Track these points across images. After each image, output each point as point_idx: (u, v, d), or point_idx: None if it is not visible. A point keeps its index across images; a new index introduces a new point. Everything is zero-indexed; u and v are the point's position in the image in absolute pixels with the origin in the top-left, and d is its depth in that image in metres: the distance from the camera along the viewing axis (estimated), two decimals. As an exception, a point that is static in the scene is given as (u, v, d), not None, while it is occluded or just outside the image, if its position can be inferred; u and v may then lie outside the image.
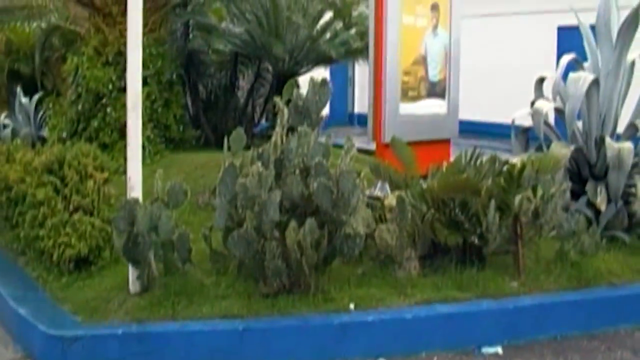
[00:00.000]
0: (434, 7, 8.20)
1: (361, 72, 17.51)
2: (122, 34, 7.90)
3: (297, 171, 5.05)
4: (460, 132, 8.84)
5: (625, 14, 6.86)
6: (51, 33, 10.94)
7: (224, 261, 5.34)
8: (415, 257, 5.61)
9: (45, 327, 4.96)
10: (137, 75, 5.48)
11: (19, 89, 11.11)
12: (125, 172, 5.58)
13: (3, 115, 11.59)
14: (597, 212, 6.49)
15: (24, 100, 10.94)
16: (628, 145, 6.52)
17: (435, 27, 8.24)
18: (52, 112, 9.78)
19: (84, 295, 5.46)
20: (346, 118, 21.94)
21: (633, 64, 7.19)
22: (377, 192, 6.55)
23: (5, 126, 11.21)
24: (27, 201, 6.30)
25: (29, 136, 10.36)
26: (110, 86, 8.66)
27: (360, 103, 20.83)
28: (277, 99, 5.36)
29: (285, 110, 5.26)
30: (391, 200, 5.69)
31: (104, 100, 8.66)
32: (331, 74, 13.50)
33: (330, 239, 5.04)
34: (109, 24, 9.00)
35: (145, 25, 7.48)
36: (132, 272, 5.32)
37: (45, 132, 10.00)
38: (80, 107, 8.77)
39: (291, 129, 5.26)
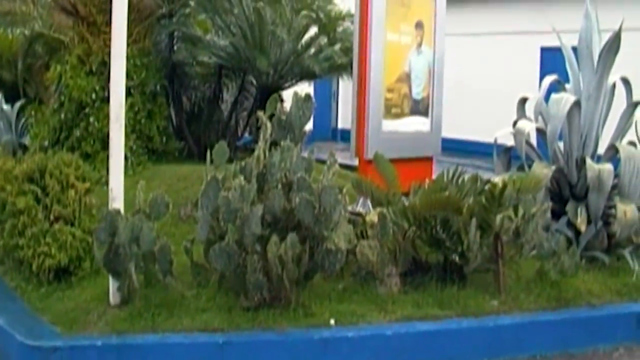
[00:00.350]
0: (419, 25, 8.23)
1: (345, 87, 17.54)
2: (107, 44, 7.87)
3: (280, 186, 5.06)
4: (443, 150, 8.86)
5: (606, 37, 6.93)
6: (34, 40, 10.85)
7: (205, 274, 5.32)
8: (396, 273, 5.61)
9: (23, 337, 4.92)
10: (121, 86, 5.46)
11: (0, 96, 11.02)
12: (107, 182, 5.57)
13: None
14: (577, 233, 6.53)
15: (6, 107, 10.82)
16: (608, 166, 6.57)
17: (419, 44, 8.26)
18: (34, 120, 9.71)
19: (64, 306, 5.42)
20: (329, 133, 21.97)
21: (614, 86, 7.26)
22: (359, 208, 6.57)
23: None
24: (7, 210, 6.23)
25: (10, 144, 10.24)
26: (94, 96, 8.62)
27: (344, 118, 20.86)
28: (260, 113, 5.37)
29: (269, 125, 5.27)
30: (373, 216, 5.70)
31: (86, 110, 8.61)
32: (315, 88, 13.51)
33: (311, 254, 5.05)
34: (93, 33, 8.96)
35: (129, 35, 7.46)
36: (112, 284, 5.30)
37: (26, 140, 9.92)
38: (62, 115, 8.72)
39: (274, 144, 5.27)
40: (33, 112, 9.99)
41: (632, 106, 7.27)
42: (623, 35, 6.83)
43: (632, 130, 7.28)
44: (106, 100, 7.13)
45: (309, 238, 4.99)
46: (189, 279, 5.44)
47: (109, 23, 5.80)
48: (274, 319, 5.00)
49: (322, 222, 4.90)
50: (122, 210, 5.25)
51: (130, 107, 8.51)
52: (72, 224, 6.07)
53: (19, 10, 10.68)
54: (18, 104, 10.85)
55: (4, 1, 10.86)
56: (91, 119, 8.56)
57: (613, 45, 6.88)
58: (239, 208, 4.83)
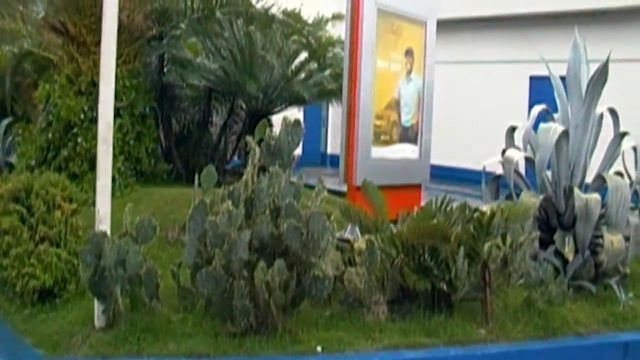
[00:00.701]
0: (409, 53, 8.27)
1: (335, 113, 17.58)
2: (96, 64, 7.85)
3: (268, 211, 5.04)
4: (431, 177, 8.88)
5: (594, 67, 6.98)
6: (23, 58, 10.84)
7: (192, 298, 5.28)
8: (383, 301, 5.59)
9: (5, 360, 4.88)
10: (109, 107, 5.44)
11: (-13, 114, 10.99)
12: (94, 204, 5.53)
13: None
14: (565, 262, 6.54)
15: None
16: (595, 196, 6.59)
17: (409, 72, 8.29)
18: (22, 138, 9.67)
19: (47, 329, 5.36)
20: (319, 158, 21.97)
21: (601, 116, 7.31)
22: (347, 235, 6.55)
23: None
24: (-8, 230, 6.20)
25: (-4, 162, 10.24)
26: (82, 116, 8.60)
27: (334, 144, 20.88)
28: (249, 138, 5.36)
29: (257, 150, 5.26)
30: (361, 243, 5.68)
31: (75, 130, 8.58)
32: (305, 114, 13.55)
33: (298, 281, 5.02)
34: (82, 53, 8.95)
35: (119, 56, 7.46)
36: (97, 307, 5.24)
37: (13, 159, 9.88)
38: (50, 135, 8.68)
39: (263, 169, 5.26)
40: (20, 131, 9.94)
41: (619, 137, 7.30)
42: (611, 67, 6.89)
43: (619, 160, 7.32)
44: (95, 120, 7.10)
45: (296, 264, 4.97)
46: (175, 303, 5.39)
47: (98, 43, 5.78)
48: (261, 346, 4.95)
49: (310, 249, 4.88)
50: (108, 233, 5.21)
51: (118, 129, 8.49)
52: (58, 245, 6.01)
53: (8, 27, 10.65)
54: (5, 122, 10.81)
55: (-7, 19, 10.85)
56: (79, 139, 8.53)
57: (601, 76, 6.92)
58: (226, 233, 4.81)
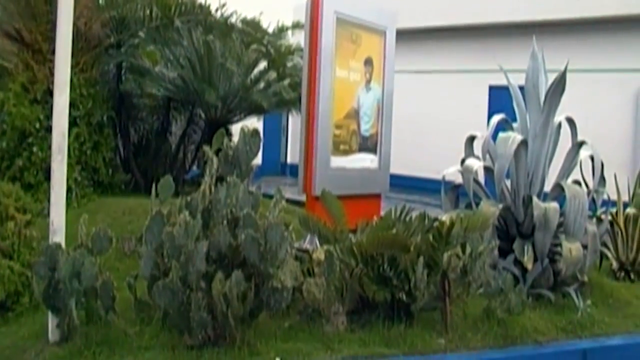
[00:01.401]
0: (368, 62, 8.26)
1: (294, 122, 17.57)
2: (52, 72, 7.74)
3: (225, 222, 4.99)
4: (391, 186, 8.87)
5: (553, 77, 7.03)
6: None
7: (149, 311, 5.19)
8: (343, 312, 5.55)
9: (-45, 376, 4.76)
10: (64, 116, 5.35)
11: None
12: (49, 213, 5.43)
13: None
14: (524, 270, 6.57)
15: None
16: (554, 205, 6.64)
17: (368, 81, 8.29)
18: (-26, 148, 9.52)
19: (-1, 343, 5.26)
20: (278, 168, 21.90)
21: (559, 126, 7.36)
22: (307, 245, 6.52)
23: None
24: (-57, 242, 6.06)
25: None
26: (38, 125, 8.48)
27: (293, 153, 20.82)
28: (206, 148, 5.31)
29: (215, 160, 5.21)
30: (320, 254, 5.64)
31: (30, 139, 8.45)
32: (264, 123, 13.50)
33: (257, 292, 4.96)
34: (38, 60, 8.83)
35: (76, 64, 7.38)
36: (51, 320, 5.12)
37: (-34, 169, 9.71)
38: (4, 144, 8.54)
39: (221, 179, 5.21)
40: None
41: (577, 146, 7.36)
42: (568, 76, 6.95)
43: (577, 169, 7.38)
44: (51, 130, 7.01)
45: (254, 275, 4.92)
46: (131, 316, 5.30)
47: (55, 51, 5.70)
48: (219, 358, 4.87)
49: (268, 260, 4.84)
50: (63, 244, 5.11)
51: (75, 138, 8.38)
52: (11, 257, 5.89)
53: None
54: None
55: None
56: (34, 149, 8.40)
57: (559, 86, 6.97)
58: (183, 244, 4.74)
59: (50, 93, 8.50)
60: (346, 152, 8.02)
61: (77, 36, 5.92)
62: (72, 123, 6.13)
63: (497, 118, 7.54)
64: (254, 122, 9.73)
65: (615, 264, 7.78)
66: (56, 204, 5.25)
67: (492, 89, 16.88)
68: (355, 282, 5.77)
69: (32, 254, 5.86)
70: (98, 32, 9.23)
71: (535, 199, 6.79)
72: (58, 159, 5.29)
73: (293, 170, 18.99)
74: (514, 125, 7.50)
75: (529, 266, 6.56)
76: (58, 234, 5.20)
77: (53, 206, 5.27)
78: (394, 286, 5.64)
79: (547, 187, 7.27)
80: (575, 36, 15.82)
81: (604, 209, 7.63)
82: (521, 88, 7.38)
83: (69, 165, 5.53)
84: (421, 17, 17.50)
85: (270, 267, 4.88)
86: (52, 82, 7.45)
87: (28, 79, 8.74)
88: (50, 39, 8.46)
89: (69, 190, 5.61)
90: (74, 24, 5.53)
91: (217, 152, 5.36)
